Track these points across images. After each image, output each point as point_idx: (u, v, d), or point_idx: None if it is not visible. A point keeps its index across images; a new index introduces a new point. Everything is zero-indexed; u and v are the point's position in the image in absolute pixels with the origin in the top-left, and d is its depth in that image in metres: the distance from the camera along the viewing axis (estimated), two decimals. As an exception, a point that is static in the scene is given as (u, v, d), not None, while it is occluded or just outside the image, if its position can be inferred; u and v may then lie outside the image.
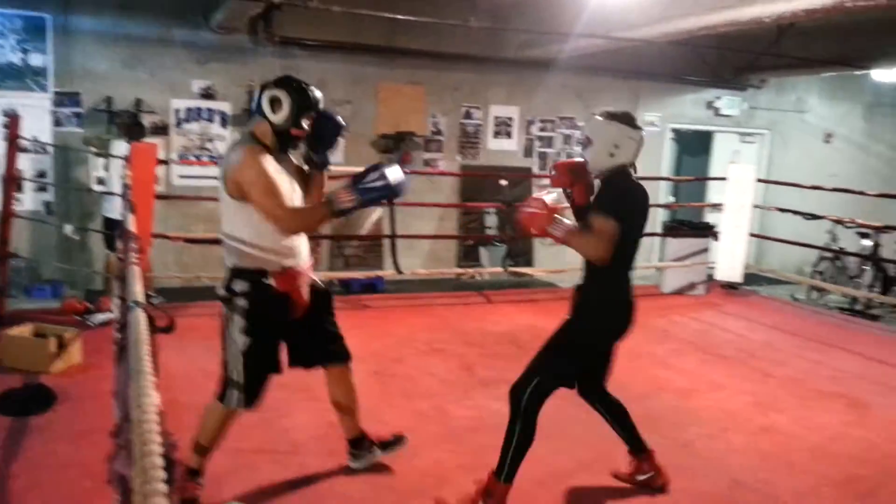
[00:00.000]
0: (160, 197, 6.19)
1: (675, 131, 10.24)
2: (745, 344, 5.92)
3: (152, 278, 5.92)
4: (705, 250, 7.57)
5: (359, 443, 3.30)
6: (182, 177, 7.33)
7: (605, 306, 3.00)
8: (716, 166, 10.10)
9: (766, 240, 9.52)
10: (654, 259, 9.15)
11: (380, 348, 5.23)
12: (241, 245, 2.79)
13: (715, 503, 3.27)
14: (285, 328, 2.94)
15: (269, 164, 2.75)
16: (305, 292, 2.94)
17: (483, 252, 9.05)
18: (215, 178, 2.92)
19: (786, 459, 3.74)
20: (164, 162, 6.71)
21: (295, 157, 2.98)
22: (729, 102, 10.11)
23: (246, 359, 2.78)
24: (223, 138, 7.50)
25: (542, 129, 9.36)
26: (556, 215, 2.87)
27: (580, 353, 3.03)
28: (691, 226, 7.79)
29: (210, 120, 7.48)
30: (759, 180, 8.16)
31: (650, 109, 9.85)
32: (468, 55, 8.47)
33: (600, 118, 2.97)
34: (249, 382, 2.81)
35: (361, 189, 2.69)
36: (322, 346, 3.08)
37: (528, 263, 9.04)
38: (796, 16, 5.62)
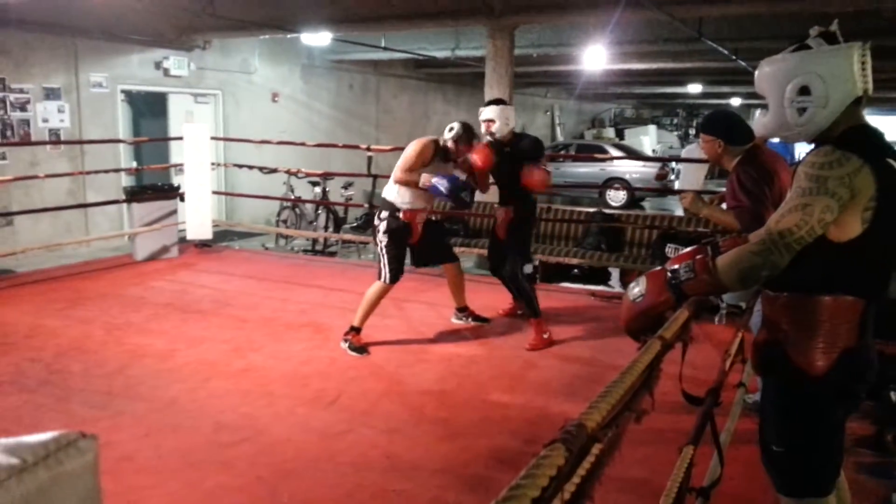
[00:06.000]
0: None
1: (127, 93, 9.81)
2: (220, 296, 6.12)
3: None
4: (174, 212, 7.51)
5: (463, 310, 5.36)
6: None
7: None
8: (174, 127, 10.05)
9: (231, 196, 9.97)
10: (124, 227, 8.73)
11: None
12: None
13: (201, 448, 3.36)
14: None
15: None
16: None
17: None
18: None
19: (264, 391, 4.05)
20: None
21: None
22: (177, 63, 10.09)
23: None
24: None
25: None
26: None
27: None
28: (155, 189, 7.63)
29: None
30: (213, 138, 8.41)
31: (95, 70, 9.21)
32: None
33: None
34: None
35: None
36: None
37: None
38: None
